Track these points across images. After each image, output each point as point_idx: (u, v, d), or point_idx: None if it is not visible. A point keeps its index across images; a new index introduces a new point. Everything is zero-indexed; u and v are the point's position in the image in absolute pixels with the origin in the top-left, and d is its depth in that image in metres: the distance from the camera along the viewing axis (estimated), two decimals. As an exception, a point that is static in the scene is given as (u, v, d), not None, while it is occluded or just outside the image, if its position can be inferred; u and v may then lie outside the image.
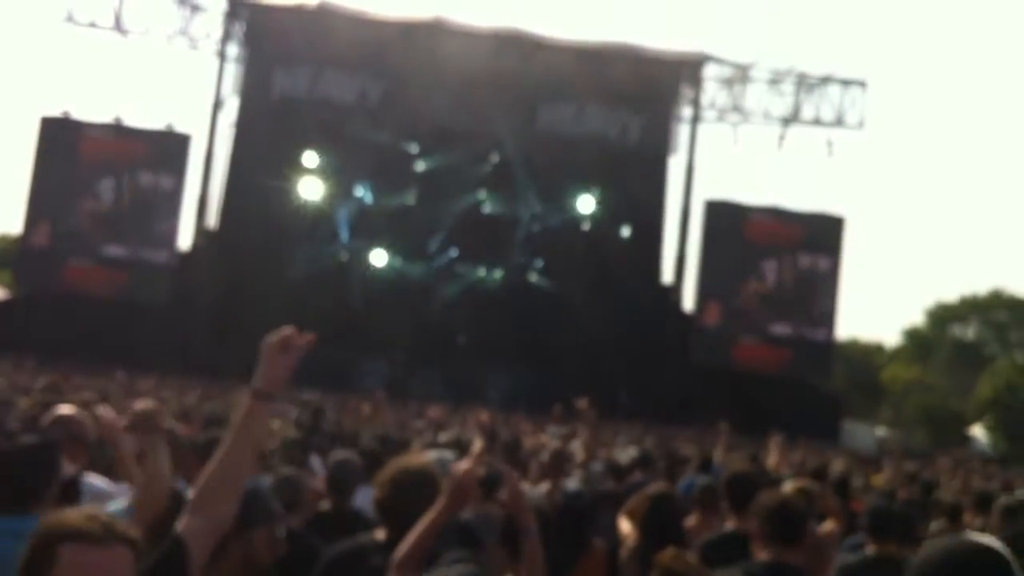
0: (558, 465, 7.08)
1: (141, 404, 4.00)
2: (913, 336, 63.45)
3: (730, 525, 5.47)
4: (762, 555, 4.09)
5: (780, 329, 38.45)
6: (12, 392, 11.60)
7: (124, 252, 37.51)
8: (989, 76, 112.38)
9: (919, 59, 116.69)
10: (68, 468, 4.39)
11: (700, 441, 17.35)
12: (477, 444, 5.81)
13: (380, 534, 3.73)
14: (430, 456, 5.61)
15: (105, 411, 5.02)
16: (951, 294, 62.20)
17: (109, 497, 4.37)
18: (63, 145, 37.54)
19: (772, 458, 8.68)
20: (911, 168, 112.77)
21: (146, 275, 37.13)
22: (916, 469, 15.36)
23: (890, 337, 70.03)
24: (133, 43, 39.32)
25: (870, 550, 5.30)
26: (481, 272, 38.20)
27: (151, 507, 3.77)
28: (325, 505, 5.51)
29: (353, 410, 14.77)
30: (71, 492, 4.40)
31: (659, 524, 5.41)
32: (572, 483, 6.71)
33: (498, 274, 38.33)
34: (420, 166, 38.48)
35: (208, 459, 5.22)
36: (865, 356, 63.84)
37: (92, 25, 38.68)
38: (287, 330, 3.00)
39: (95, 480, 4.53)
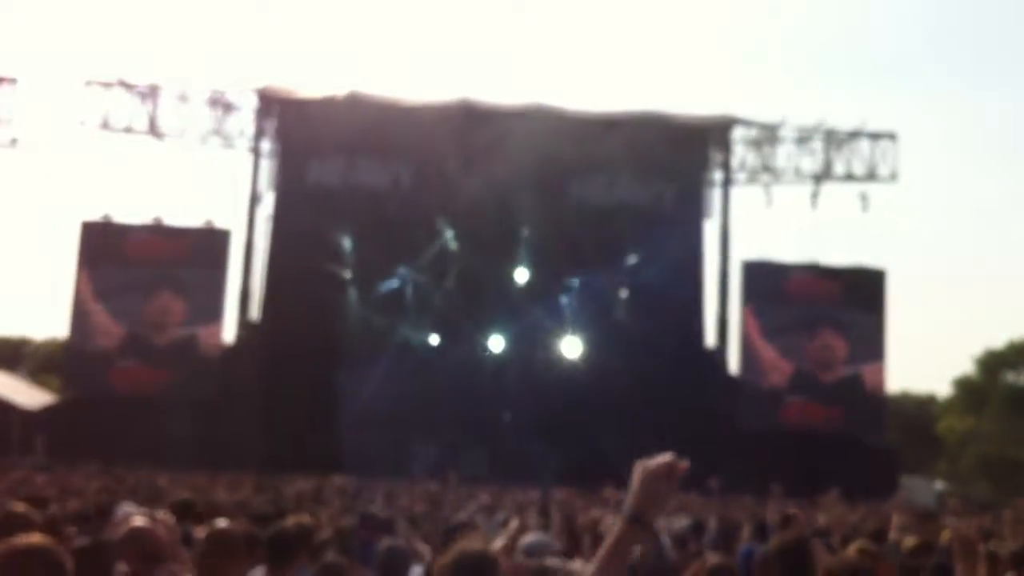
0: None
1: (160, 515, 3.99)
2: (964, 385, 62.39)
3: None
4: None
5: (829, 387, 38.02)
6: (66, 495, 11.65)
7: (169, 349, 37.87)
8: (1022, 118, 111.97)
9: (948, 107, 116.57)
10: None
11: (755, 506, 17.12)
12: (514, 523, 5.72)
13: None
14: (529, 539, 5.55)
15: (168, 520, 5.04)
16: (999, 341, 61.07)
17: None
18: (105, 248, 38.16)
19: (825, 516, 8.54)
20: (950, 216, 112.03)
21: (192, 371, 37.43)
22: (980, 524, 15.01)
23: (941, 387, 69.01)
24: (168, 145, 40.19)
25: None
26: (522, 348, 38.10)
27: None
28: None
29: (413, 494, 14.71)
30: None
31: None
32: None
33: (539, 350, 38.24)
34: (455, 246, 38.72)
35: (275, 553, 5.22)
36: (918, 408, 62.89)
37: (128, 130, 39.51)
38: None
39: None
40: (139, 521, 5.18)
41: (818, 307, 38.23)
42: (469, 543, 3.83)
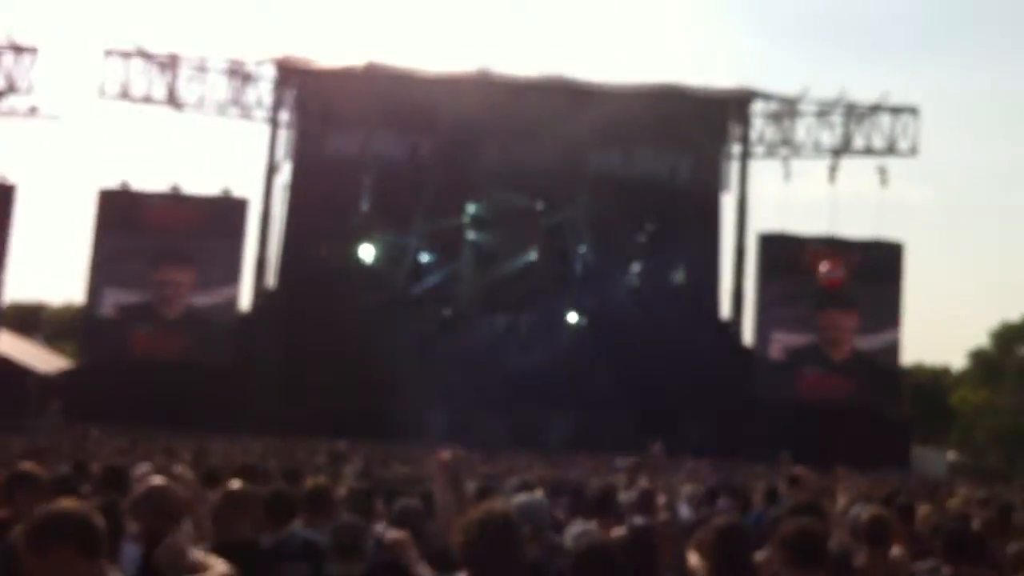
0: (647, 502, 7.16)
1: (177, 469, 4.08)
2: (979, 358, 62.22)
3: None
4: None
5: (844, 358, 38.00)
6: (84, 457, 11.78)
7: (185, 316, 38.09)
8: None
9: (970, 81, 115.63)
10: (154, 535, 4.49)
11: (768, 476, 17.16)
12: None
13: (464, 577, 3.76)
14: (521, 499, 5.64)
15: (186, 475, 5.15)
16: (1015, 314, 60.88)
17: None
18: (122, 215, 38.32)
19: (841, 498, 8.60)
20: (968, 191, 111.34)
21: (209, 338, 37.64)
22: (989, 492, 15.05)
23: (956, 360, 68.86)
24: (187, 115, 40.25)
25: (946, 572, 5.27)
26: (536, 318, 38.20)
27: None
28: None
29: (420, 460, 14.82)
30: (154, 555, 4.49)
31: (728, 557, 5.38)
32: (639, 520, 6.67)
33: (556, 320, 38.34)
34: (472, 218, 38.77)
35: (274, 513, 5.32)
36: (932, 381, 62.77)
37: (147, 99, 39.58)
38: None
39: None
40: (156, 480, 5.27)
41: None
42: (491, 504, 3.93)
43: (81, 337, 41.04)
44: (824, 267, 31.41)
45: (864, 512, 6.79)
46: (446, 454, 5.70)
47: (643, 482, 9.65)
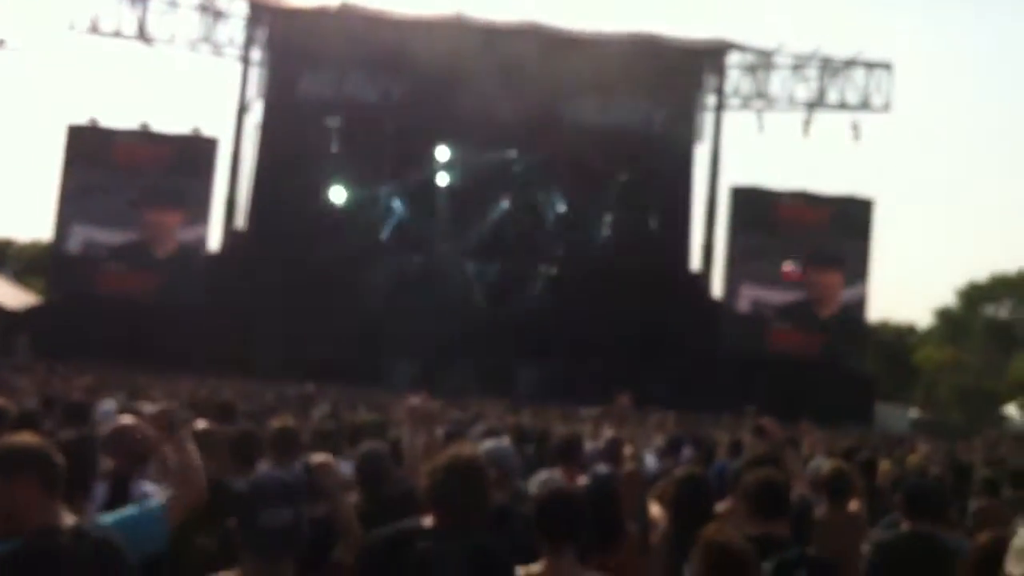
0: (613, 451, 7.22)
1: (156, 407, 4.09)
2: (945, 317, 62.96)
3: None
4: (750, 529, 4.15)
5: (812, 314, 38.26)
6: (48, 396, 11.72)
7: (154, 256, 37.82)
8: (1018, 51, 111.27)
9: (944, 38, 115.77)
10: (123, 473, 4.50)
11: (733, 428, 17.32)
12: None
13: (427, 521, 3.78)
14: (488, 444, 5.68)
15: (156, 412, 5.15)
16: (982, 274, 61.44)
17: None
18: (91, 152, 37.89)
19: (805, 451, 8.71)
20: (939, 149, 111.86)
21: (178, 277, 37.41)
22: (950, 449, 15.30)
23: (922, 318, 69.51)
24: (157, 51, 39.67)
25: (904, 527, 5.35)
26: (508, 267, 38.21)
27: (187, 499, 3.85)
28: (354, 496, 5.54)
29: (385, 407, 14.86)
30: (120, 493, 4.50)
31: (689, 506, 5.44)
32: (603, 468, 6.73)
33: (525, 269, 38.37)
34: (444, 162, 38.59)
35: (240, 453, 5.34)
36: (897, 338, 63.43)
37: (117, 34, 39.00)
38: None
39: (147, 485, 4.62)
40: (126, 419, 5.26)
41: (806, 235, 38.28)
42: (459, 449, 3.96)
43: (50, 273, 40.72)
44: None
45: (825, 465, 6.91)
46: (416, 400, 5.73)
47: (608, 432, 9.74)
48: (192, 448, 3.98)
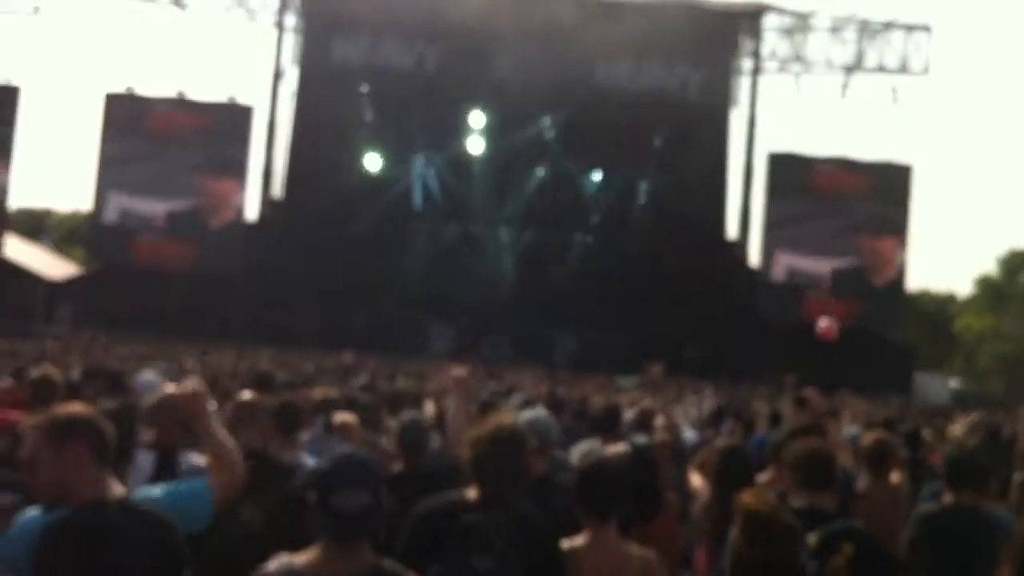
0: (645, 421, 7.24)
1: (185, 387, 4.07)
2: (985, 285, 62.21)
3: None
4: (796, 501, 4.13)
5: (850, 282, 37.92)
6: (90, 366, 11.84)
7: (193, 225, 38.05)
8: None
9: (983, 1, 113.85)
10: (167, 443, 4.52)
11: (771, 399, 17.25)
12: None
13: (471, 493, 3.79)
14: (528, 414, 5.70)
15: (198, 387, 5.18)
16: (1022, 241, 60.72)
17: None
18: (129, 121, 38.11)
19: (844, 422, 8.65)
20: (979, 113, 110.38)
21: (215, 246, 37.66)
22: (992, 420, 15.14)
23: (963, 287, 68.82)
24: (191, 17, 39.70)
25: (947, 498, 5.31)
26: (545, 234, 38.13)
27: (229, 482, 3.84)
28: (398, 466, 5.56)
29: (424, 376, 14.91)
30: (168, 465, 4.53)
31: (730, 477, 5.43)
32: (642, 439, 6.72)
33: (562, 236, 38.27)
34: (479, 128, 38.45)
35: (283, 422, 5.36)
36: (937, 307, 62.84)
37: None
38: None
39: (195, 458, 4.65)
40: (170, 389, 5.30)
41: (844, 202, 37.91)
42: (501, 419, 3.97)
43: (89, 243, 41.08)
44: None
45: (867, 436, 6.85)
46: (462, 370, 5.75)
47: (647, 402, 9.75)
48: (222, 431, 3.96)
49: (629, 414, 8.55)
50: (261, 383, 7.87)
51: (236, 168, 38.73)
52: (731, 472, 5.40)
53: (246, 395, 5.50)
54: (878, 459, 6.45)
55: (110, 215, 38.29)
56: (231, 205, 38.63)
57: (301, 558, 3.11)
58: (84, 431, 3.20)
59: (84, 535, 2.96)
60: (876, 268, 38.22)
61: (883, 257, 38.28)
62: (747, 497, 2.42)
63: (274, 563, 3.12)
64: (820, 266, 38.15)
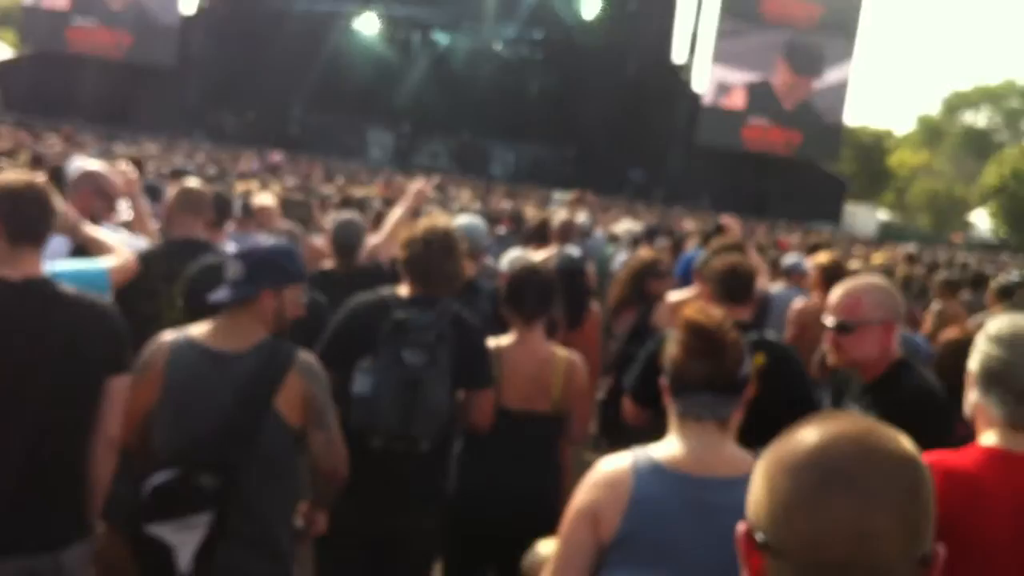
0: (566, 232, 7.34)
1: (121, 166, 4.02)
2: (925, 123, 62.81)
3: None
4: None
5: (791, 109, 37.85)
6: (18, 149, 11.63)
7: (129, 13, 36.74)
8: None
9: None
10: (89, 217, 4.48)
11: (704, 220, 17.50)
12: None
13: (403, 289, 3.85)
14: (462, 220, 5.75)
15: (128, 169, 5.12)
16: (968, 84, 61.06)
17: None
18: None
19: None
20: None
21: (150, 37, 36.46)
22: (915, 251, 15.55)
23: (906, 126, 69.31)
24: None
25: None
26: (487, 45, 37.26)
27: (126, 265, 3.87)
28: (328, 263, 5.59)
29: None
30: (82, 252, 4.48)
31: (638, 283, 5.78)
32: (574, 250, 6.82)
33: (505, 49, 37.46)
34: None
35: (215, 212, 5.33)
36: (875, 141, 63.42)
37: None
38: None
39: (113, 232, 4.60)
40: (93, 164, 5.22)
41: (791, 27, 37.50)
42: (434, 220, 4.02)
43: (20, 27, 39.57)
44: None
45: (822, 255, 6.98)
46: (423, 184, 5.86)
47: (581, 217, 9.85)
48: (144, 204, 3.93)
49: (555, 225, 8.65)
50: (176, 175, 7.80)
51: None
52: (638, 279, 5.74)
53: (191, 182, 5.42)
54: (834, 278, 6.56)
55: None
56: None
57: (196, 330, 3.15)
58: (28, 198, 3.04)
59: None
60: (785, 94, 37.99)
61: (793, 89, 37.96)
62: (690, 310, 2.43)
63: (171, 333, 3.16)
64: (737, 77, 37.76)
